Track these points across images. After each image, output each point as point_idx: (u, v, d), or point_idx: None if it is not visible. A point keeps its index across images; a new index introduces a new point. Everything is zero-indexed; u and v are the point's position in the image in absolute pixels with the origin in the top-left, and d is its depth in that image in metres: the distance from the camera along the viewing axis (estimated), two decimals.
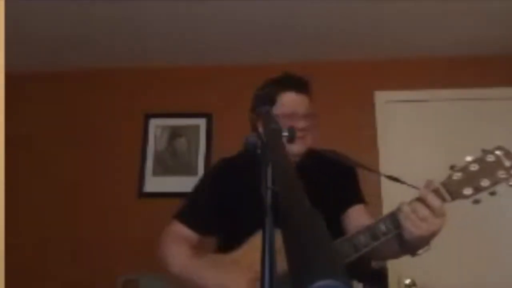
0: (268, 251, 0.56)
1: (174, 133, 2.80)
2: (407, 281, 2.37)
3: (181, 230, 1.35)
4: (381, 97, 2.74)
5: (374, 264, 2.29)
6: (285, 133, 0.80)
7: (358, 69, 2.80)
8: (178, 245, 1.31)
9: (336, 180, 1.36)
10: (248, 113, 1.41)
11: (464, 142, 2.68)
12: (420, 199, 1.01)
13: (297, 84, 1.35)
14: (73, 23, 2.46)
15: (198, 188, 1.45)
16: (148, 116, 2.83)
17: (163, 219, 2.73)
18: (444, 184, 1.02)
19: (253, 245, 1.21)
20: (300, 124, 1.28)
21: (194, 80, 2.91)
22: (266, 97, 1.35)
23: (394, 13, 2.34)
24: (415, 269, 2.37)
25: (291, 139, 0.82)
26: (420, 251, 1.05)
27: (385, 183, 2.42)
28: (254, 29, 2.51)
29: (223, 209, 1.34)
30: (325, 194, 1.24)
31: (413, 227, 0.99)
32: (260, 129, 1.33)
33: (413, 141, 2.67)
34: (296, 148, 1.27)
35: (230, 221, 1.33)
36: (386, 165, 2.57)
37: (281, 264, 0.58)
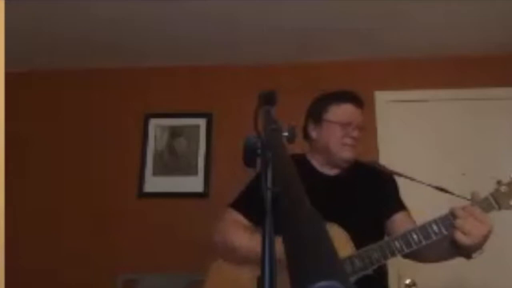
0: (268, 251, 0.56)
1: (174, 133, 2.80)
2: (407, 281, 2.36)
3: (236, 217, 1.43)
4: (381, 97, 2.74)
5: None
6: (285, 133, 0.80)
7: (358, 69, 2.80)
8: (238, 227, 1.39)
9: (378, 189, 1.46)
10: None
11: (464, 142, 2.69)
12: (467, 209, 1.14)
13: (355, 98, 1.47)
14: (73, 23, 2.46)
15: (255, 179, 1.49)
16: (148, 116, 2.83)
17: (163, 219, 2.74)
18: (492, 195, 1.20)
19: None
20: (355, 133, 1.41)
21: (194, 80, 2.91)
22: (320, 106, 1.48)
23: (394, 13, 2.34)
24: (415, 269, 2.37)
25: (291, 139, 0.81)
26: (474, 255, 1.15)
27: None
28: (254, 29, 2.51)
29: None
30: (368, 202, 1.37)
31: (464, 237, 1.11)
32: (314, 135, 1.48)
33: (413, 141, 2.67)
34: (347, 155, 1.41)
35: None
36: (386, 165, 2.57)
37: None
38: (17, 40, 2.54)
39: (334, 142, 1.40)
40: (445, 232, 1.16)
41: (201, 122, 2.78)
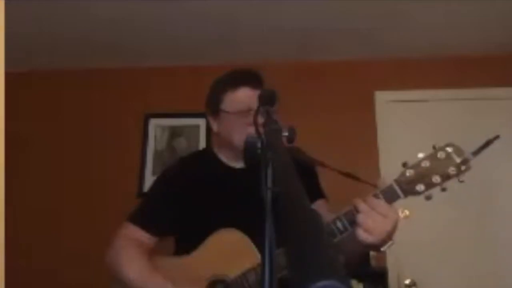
0: (268, 251, 0.56)
1: (174, 133, 2.80)
2: (407, 281, 2.37)
3: (135, 232, 1.31)
4: (381, 97, 2.75)
5: (374, 264, 2.29)
6: (285, 133, 0.80)
7: (358, 69, 2.80)
8: (134, 252, 1.26)
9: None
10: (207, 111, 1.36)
11: (464, 142, 2.69)
12: (369, 202, 1.00)
13: (251, 79, 1.28)
14: (73, 23, 2.46)
15: (154, 190, 1.39)
16: (148, 116, 2.83)
17: None
18: (397, 181, 1.04)
19: (208, 246, 1.21)
20: (258, 120, 1.28)
21: (194, 80, 2.90)
22: (215, 96, 1.31)
23: (394, 13, 2.34)
24: (415, 269, 2.37)
25: (291, 139, 0.81)
26: (383, 248, 1.02)
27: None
28: (254, 29, 2.51)
29: (181, 211, 1.30)
30: None
31: (366, 234, 0.97)
32: (215, 128, 1.32)
33: (413, 141, 2.66)
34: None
35: (188, 222, 1.30)
36: (386, 165, 2.58)
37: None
38: (17, 40, 2.54)
39: (236, 133, 1.23)
40: (350, 229, 1.02)
41: (201, 122, 2.78)
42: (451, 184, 1.02)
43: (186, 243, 1.26)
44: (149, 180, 2.71)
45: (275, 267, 0.53)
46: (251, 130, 1.20)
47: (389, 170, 2.58)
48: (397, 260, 2.38)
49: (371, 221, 0.97)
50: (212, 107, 1.32)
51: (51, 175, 2.78)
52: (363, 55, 2.78)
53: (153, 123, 2.82)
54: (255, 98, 1.08)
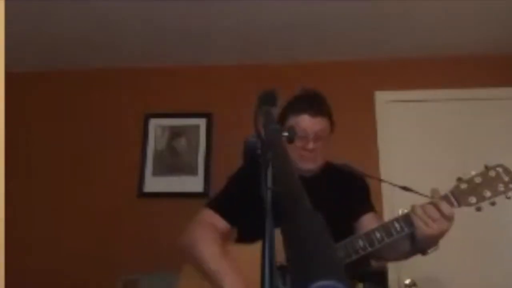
0: (268, 251, 0.56)
1: (174, 133, 2.80)
2: (407, 281, 2.37)
3: (212, 217, 1.37)
4: (381, 97, 2.74)
5: (374, 264, 2.29)
6: (285, 133, 0.80)
7: (358, 69, 2.80)
8: (209, 232, 1.32)
9: (348, 191, 1.46)
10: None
11: (464, 142, 2.69)
12: (432, 203, 1.15)
13: (311, 107, 1.40)
14: (74, 23, 2.46)
15: (234, 180, 1.48)
16: (148, 116, 2.83)
17: (162, 219, 2.74)
18: (452, 192, 1.20)
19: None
20: (310, 145, 1.38)
21: (194, 80, 2.91)
22: (282, 115, 1.44)
23: (394, 13, 2.34)
24: (415, 269, 2.37)
25: (291, 139, 0.82)
26: (429, 250, 1.19)
27: (386, 188, 2.42)
28: (254, 29, 2.51)
29: (252, 207, 1.36)
30: (339, 204, 1.36)
31: (425, 226, 1.13)
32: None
33: (413, 141, 2.67)
34: (306, 167, 1.39)
35: (255, 220, 1.34)
36: (386, 165, 2.58)
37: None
38: (17, 40, 2.54)
39: (292, 155, 1.34)
40: (406, 230, 1.17)
41: (201, 122, 2.78)
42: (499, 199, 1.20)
43: (245, 239, 1.31)
44: (149, 180, 2.71)
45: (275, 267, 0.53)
46: (304, 154, 1.37)
47: (389, 170, 2.58)
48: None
49: (430, 220, 1.12)
50: (279, 122, 1.44)
51: (51, 175, 2.78)
52: (363, 55, 2.78)
53: (153, 123, 2.82)
54: (312, 125, 1.37)
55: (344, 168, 1.51)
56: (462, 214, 2.70)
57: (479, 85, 2.67)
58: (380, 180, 1.41)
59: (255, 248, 1.24)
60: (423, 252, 1.21)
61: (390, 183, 1.35)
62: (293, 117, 1.41)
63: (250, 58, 2.80)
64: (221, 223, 1.37)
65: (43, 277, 2.53)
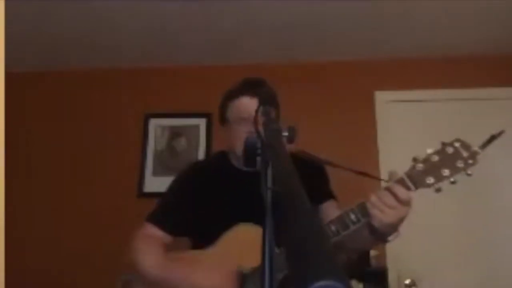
0: (268, 251, 0.56)
1: (174, 133, 2.80)
2: (407, 281, 2.37)
3: (153, 232, 1.35)
4: (381, 97, 2.75)
5: (374, 264, 2.29)
6: (285, 133, 0.80)
7: (358, 69, 2.80)
8: (150, 245, 1.31)
9: (306, 178, 1.37)
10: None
11: None
12: (387, 189, 1.05)
13: (250, 88, 1.33)
14: (74, 23, 2.46)
15: (170, 191, 1.46)
16: (148, 116, 2.83)
17: None
18: (408, 174, 1.09)
19: (226, 240, 1.25)
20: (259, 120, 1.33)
21: (194, 80, 2.91)
22: (222, 105, 1.43)
23: (394, 13, 2.34)
24: (415, 269, 2.37)
25: (291, 139, 0.82)
26: (390, 238, 1.09)
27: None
28: (254, 29, 2.51)
29: (195, 210, 1.35)
30: None
31: (381, 214, 1.03)
32: (224, 135, 1.40)
33: (413, 141, 2.66)
34: None
35: (202, 222, 1.34)
36: (386, 165, 2.58)
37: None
38: (17, 40, 2.54)
39: (237, 141, 1.29)
40: (362, 220, 1.07)
41: (201, 122, 2.78)
42: (459, 177, 1.06)
43: (200, 243, 1.30)
44: (149, 180, 2.71)
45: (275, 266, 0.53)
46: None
47: (390, 170, 2.58)
48: (397, 260, 2.38)
49: (386, 206, 1.03)
50: (220, 116, 1.45)
51: (51, 175, 2.78)
52: (363, 55, 2.78)
53: (153, 123, 2.82)
54: (254, 105, 1.10)
55: (300, 154, 1.38)
56: (464, 215, 2.68)
57: (479, 85, 2.67)
58: (334, 165, 1.26)
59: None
60: (384, 240, 1.10)
61: (346, 168, 1.19)
62: (231, 103, 1.38)
63: (250, 58, 2.80)
64: (161, 235, 1.35)
65: (43, 277, 2.53)
